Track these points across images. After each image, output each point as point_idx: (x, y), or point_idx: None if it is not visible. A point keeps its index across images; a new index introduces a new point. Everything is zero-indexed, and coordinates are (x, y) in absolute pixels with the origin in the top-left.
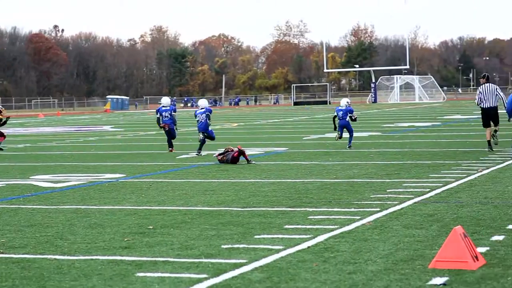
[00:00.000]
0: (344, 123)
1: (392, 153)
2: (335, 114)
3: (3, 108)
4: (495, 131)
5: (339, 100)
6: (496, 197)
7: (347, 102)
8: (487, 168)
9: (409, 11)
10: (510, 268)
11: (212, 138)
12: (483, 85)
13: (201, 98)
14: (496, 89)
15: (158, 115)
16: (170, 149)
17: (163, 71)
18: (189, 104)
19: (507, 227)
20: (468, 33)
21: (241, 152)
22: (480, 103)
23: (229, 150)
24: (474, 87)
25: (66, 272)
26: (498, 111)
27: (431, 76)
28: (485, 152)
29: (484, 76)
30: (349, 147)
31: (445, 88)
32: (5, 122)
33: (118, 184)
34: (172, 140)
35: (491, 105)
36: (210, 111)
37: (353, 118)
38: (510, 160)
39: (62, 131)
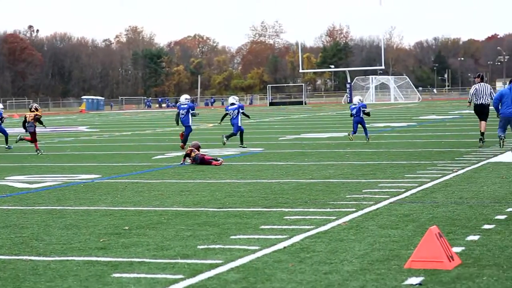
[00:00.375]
0: (358, 119)
1: (368, 154)
2: (351, 112)
3: (39, 107)
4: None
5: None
6: (471, 197)
7: (360, 100)
8: (462, 168)
9: (384, 12)
10: (485, 267)
11: (234, 134)
12: (478, 84)
13: (231, 95)
14: (490, 88)
15: (178, 111)
16: (181, 144)
17: (139, 71)
18: (164, 105)
19: (482, 227)
20: (443, 33)
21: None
22: (474, 100)
23: (191, 151)
24: (449, 88)
25: (42, 273)
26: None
27: (406, 77)
28: (460, 152)
29: (479, 76)
30: (367, 139)
31: (420, 88)
32: None
33: (94, 184)
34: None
35: (482, 102)
36: (242, 107)
37: (365, 112)
38: (485, 160)
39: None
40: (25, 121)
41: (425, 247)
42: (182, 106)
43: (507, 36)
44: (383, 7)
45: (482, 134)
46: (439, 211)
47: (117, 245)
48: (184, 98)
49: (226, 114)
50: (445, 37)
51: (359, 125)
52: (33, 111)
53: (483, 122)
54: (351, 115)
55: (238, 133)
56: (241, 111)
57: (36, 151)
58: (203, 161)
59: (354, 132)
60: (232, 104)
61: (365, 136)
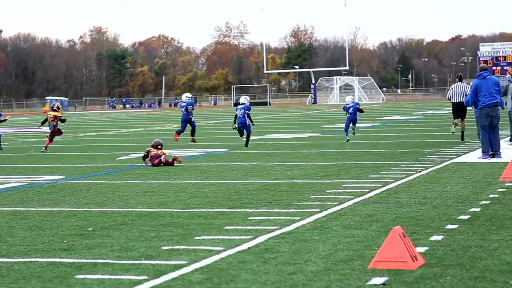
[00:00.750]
0: (353, 117)
1: (332, 154)
2: (346, 113)
3: (61, 105)
4: (456, 124)
5: (278, 101)
6: (435, 197)
7: (352, 99)
8: (426, 169)
9: (348, 13)
10: (448, 267)
11: (244, 133)
12: (456, 83)
13: (242, 95)
14: (466, 87)
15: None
16: (191, 138)
17: (103, 72)
18: (128, 105)
19: (446, 227)
20: (407, 34)
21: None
22: (452, 99)
23: (148, 151)
24: (413, 88)
25: (5, 274)
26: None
27: (371, 77)
28: (424, 152)
29: (457, 76)
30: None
31: (384, 89)
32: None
33: (58, 185)
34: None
35: (457, 100)
36: (249, 108)
37: (360, 109)
38: (448, 160)
39: (1, 132)
40: (45, 120)
41: (389, 247)
42: (182, 104)
43: (470, 37)
44: (348, 8)
45: (463, 133)
46: (403, 211)
47: (81, 246)
48: (185, 96)
49: (237, 115)
50: (409, 38)
51: (351, 123)
52: (55, 110)
53: (463, 122)
54: (347, 113)
55: (242, 133)
56: (246, 111)
57: (44, 148)
58: (166, 163)
59: (349, 131)
60: (242, 103)
61: (352, 131)
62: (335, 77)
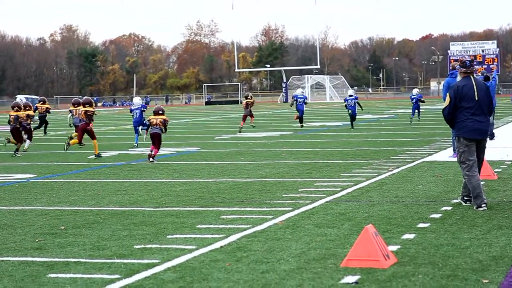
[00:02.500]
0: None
1: (304, 153)
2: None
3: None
4: None
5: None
6: (407, 196)
7: (354, 91)
8: (398, 167)
9: (319, 12)
10: (421, 266)
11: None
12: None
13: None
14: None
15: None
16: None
17: (74, 70)
18: (99, 104)
19: (418, 226)
20: (378, 33)
21: None
22: None
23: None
24: (384, 87)
25: None
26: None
27: (342, 76)
28: (395, 151)
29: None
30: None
31: (355, 88)
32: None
33: (29, 184)
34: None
35: None
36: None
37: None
38: (420, 159)
39: None
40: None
41: (361, 245)
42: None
43: (441, 36)
44: (318, 7)
45: None
46: (375, 210)
47: (53, 245)
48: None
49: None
50: (379, 37)
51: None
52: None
53: None
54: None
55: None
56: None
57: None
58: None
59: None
60: (350, 95)
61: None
62: (306, 76)
